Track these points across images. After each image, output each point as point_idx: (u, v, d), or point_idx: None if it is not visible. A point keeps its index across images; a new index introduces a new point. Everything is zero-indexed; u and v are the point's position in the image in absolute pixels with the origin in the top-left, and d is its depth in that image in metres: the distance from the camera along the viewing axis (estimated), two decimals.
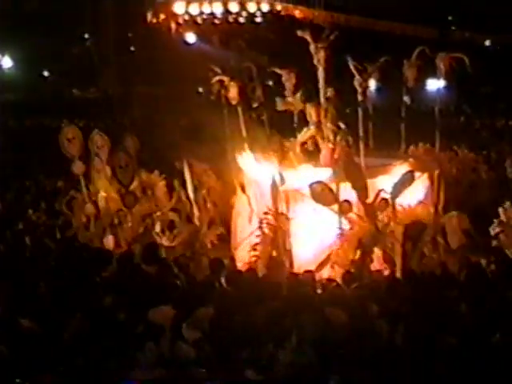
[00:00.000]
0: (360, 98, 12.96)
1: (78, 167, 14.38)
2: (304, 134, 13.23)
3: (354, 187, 12.01)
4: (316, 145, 13.23)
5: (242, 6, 35.05)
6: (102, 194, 14.09)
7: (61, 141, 14.35)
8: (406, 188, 12.30)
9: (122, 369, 7.70)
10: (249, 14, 34.92)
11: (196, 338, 8.20)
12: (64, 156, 14.49)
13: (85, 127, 27.13)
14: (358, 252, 11.94)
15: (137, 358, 7.84)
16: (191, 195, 13.58)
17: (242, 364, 7.58)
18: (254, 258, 12.42)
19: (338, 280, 10.62)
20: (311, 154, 13.20)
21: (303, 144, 13.26)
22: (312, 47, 13.12)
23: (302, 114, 13.35)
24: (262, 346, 7.98)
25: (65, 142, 14.34)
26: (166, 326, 8.56)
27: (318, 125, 13.14)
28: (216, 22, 35.03)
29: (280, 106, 13.38)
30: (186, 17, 35.36)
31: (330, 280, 10.96)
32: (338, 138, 13.02)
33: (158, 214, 13.68)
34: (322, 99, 13.16)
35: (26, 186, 18.98)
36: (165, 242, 13.09)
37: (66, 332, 8.63)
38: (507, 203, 12.07)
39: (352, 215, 12.18)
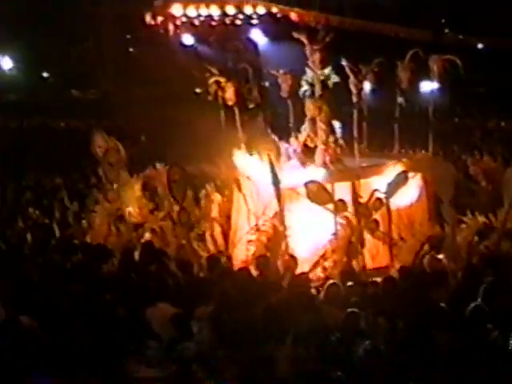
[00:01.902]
0: (355, 99, 12.93)
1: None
2: (303, 133, 13.23)
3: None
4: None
5: (239, 9, 34.98)
6: (130, 209, 13.71)
7: (93, 149, 14.05)
8: (400, 188, 12.31)
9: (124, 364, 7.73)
10: (245, 16, 34.87)
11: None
12: (63, 155, 14.40)
13: (85, 128, 27.23)
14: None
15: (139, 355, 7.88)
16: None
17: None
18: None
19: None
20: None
21: (304, 143, 13.25)
22: (307, 49, 13.10)
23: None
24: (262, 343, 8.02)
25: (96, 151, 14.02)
26: (165, 323, 8.58)
27: (313, 121, 13.14)
28: (213, 23, 34.96)
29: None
30: (184, 19, 35.28)
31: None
32: (330, 139, 13.04)
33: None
34: (317, 97, 13.17)
35: (26, 184, 18.97)
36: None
37: (66, 328, 8.64)
38: None
39: (347, 214, 12.19)
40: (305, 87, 13.20)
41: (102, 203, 14.00)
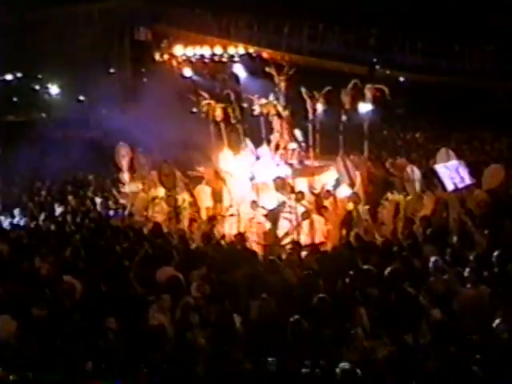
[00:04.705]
0: (310, 116, 12.96)
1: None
2: (272, 142, 13.19)
3: None
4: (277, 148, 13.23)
5: (224, 49, 35.30)
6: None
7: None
8: (344, 183, 12.31)
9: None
10: (229, 55, 35.12)
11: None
12: (94, 158, 14.17)
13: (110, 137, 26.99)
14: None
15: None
16: None
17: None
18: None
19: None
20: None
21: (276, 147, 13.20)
22: (276, 79, 13.08)
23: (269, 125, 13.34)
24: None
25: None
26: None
27: (281, 133, 13.13)
28: (205, 60, 35.12)
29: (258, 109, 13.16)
30: (184, 57, 35.48)
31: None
32: (293, 146, 13.02)
33: None
34: (283, 116, 13.13)
35: (66, 180, 18.84)
36: None
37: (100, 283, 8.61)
38: None
39: (304, 202, 12.17)
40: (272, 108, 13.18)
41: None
